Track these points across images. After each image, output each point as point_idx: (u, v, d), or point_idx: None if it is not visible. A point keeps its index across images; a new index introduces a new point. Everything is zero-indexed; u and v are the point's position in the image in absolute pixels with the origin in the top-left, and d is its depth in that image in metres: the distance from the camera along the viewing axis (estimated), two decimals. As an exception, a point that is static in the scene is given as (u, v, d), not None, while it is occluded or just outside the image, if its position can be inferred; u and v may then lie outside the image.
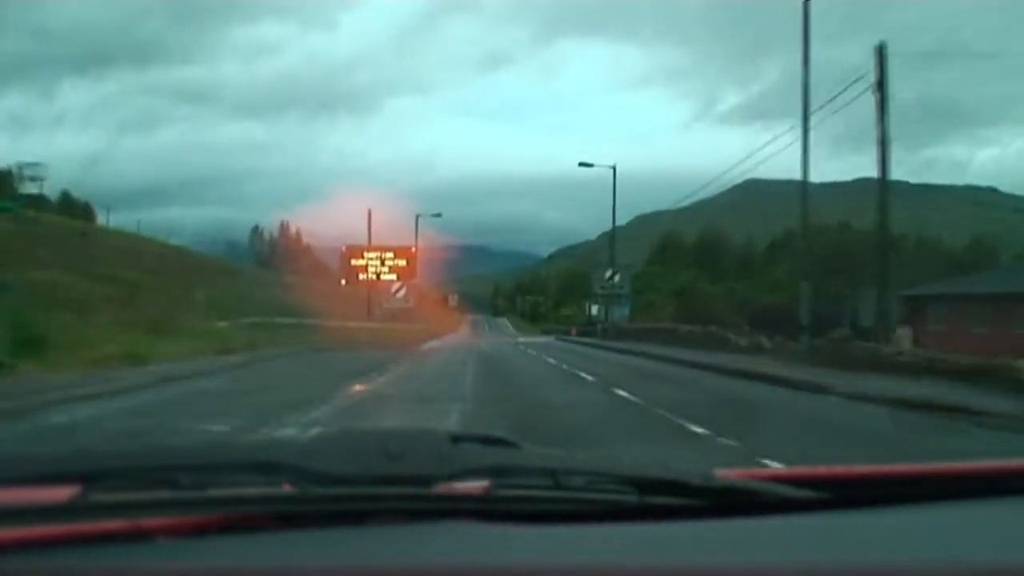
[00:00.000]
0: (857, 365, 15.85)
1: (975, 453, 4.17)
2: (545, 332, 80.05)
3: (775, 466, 5.00)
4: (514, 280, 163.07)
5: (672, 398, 12.19)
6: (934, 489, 1.19)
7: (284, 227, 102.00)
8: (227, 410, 10.51)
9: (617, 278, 45.53)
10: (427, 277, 63.39)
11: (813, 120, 19.68)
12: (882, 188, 20.87)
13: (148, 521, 0.90)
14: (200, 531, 0.91)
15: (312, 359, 22.32)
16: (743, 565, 0.91)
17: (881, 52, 19.68)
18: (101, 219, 62.77)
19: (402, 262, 49.78)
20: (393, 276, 49.52)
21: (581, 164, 42.88)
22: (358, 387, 14.28)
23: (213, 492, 0.94)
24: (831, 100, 20.55)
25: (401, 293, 47.37)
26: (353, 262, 49.48)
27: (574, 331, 65.01)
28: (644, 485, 1.05)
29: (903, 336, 26.68)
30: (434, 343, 39.03)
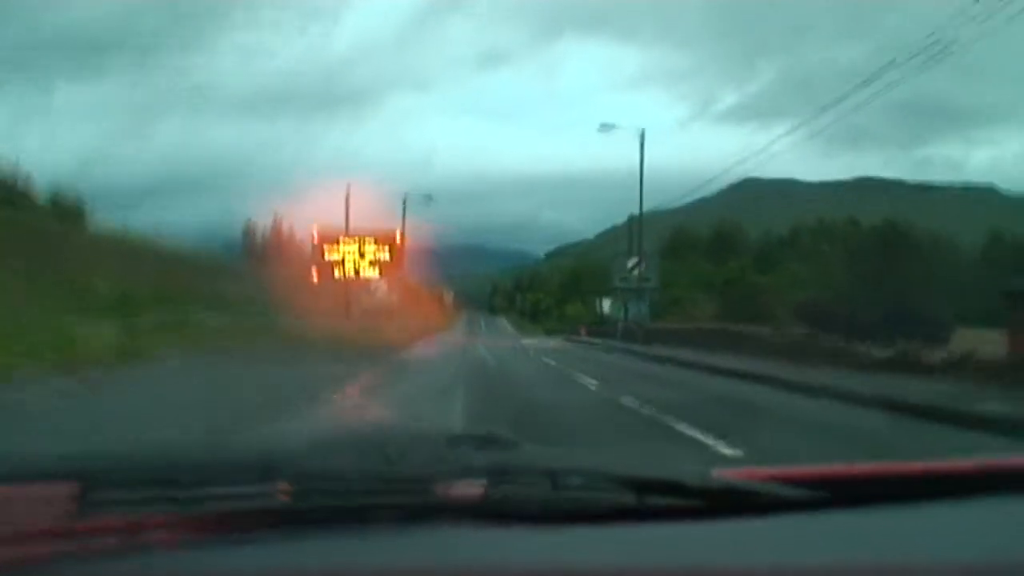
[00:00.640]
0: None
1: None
2: (549, 332, 72.30)
3: None
4: (512, 278, 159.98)
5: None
6: (932, 488, 1.18)
7: (277, 223, 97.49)
8: None
9: (641, 268, 37.78)
10: (416, 270, 55.88)
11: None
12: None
13: (147, 522, 0.90)
14: (198, 532, 0.91)
15: (205, 378, 14.78)
16: (741, 565, 0.92)
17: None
18: (91, 217, 57.93)
19: (384, 254, 41.93)
20: (375, 272, 41.66)
21: (603, 127, 35.28)
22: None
23: (212, 492, 0.94)
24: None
25: (381, 290, 39.61)
26: (327, 255, 41.64)
27: (583, 331, 57.27)
28: (642, 486, 1.04)
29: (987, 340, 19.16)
30: (419, 347, 31.30)
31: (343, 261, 41.35)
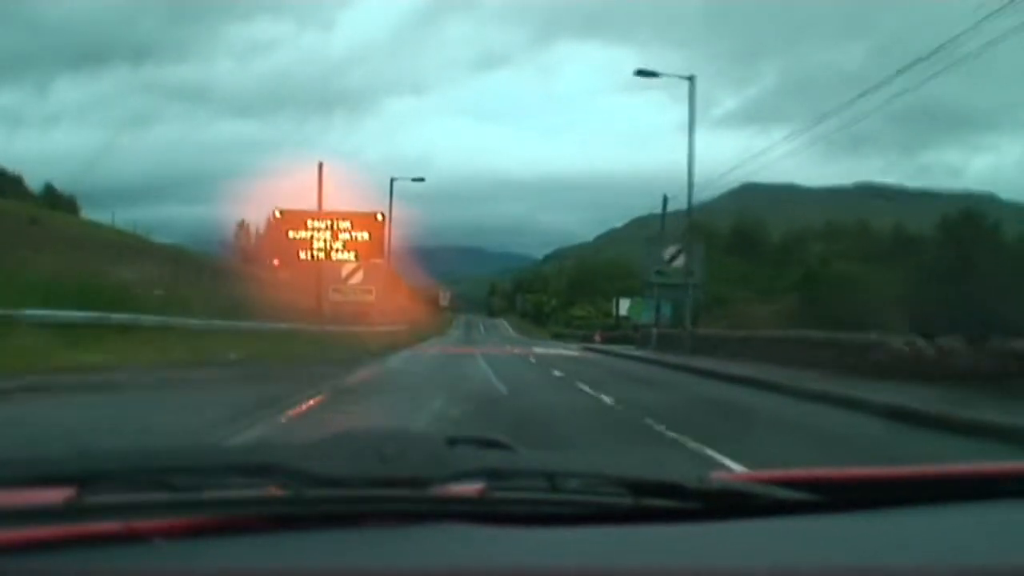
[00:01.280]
0: None
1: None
2: (558, 337, 64.44)
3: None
4: (511, 280, 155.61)
5: None
6: (928, 492, 1.18)
7: (270, 220, 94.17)
8: None
9: (684, 259, 29.90)
10: (403, 260, 47.97)
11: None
12: None
13: (143, 523, 0.89)
14: (195, 533, 0.90)
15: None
16: (738, 567, 0.92)
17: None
18: (85, 214, 58.39)
19: (363, 234, 34.00)
20: (351, 256, 33.74)
21: (639, 73, 27.42)
22: None
23: (208, 494, 0.93)
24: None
25: (356, 279, 31.77)
26: (292, 234, 33.76)
27: (598, 337, 49.20)
28: (639, 488, 1.04)
29: None
30: (398, 359, 23.57)
31: (311, 241, 33.47)
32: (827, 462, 5.48)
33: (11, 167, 61.57)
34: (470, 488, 1.00)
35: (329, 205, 33.16)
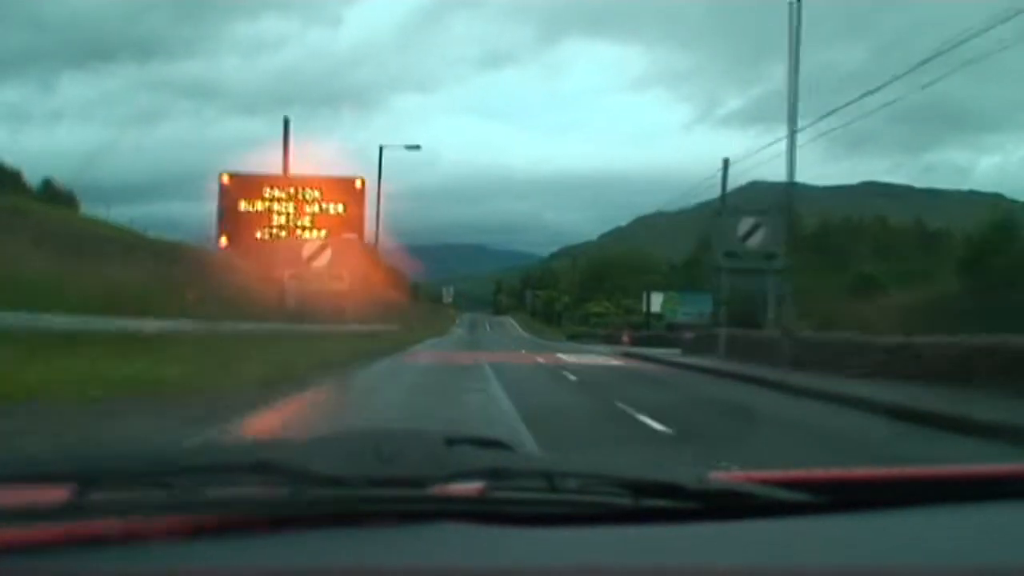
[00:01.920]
0: None
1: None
2: (575, 337, 56.80)
3: None
4: (518, 277, 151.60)
5: None
6: (929, 493, 1.17)
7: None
8: None
9: (761, 235, 22.18)
10: (392, 244, 40.59)
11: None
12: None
13: (143, 522, 0.89)
14: (195, 532, 0.90)
15: None
16: (738, 568, 0.91)
17: None
18: (84, 209, 54.69)
19: (337, 206, 26.46)
20: (323, 234, 26.15)
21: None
22: None
23: (208, 493, 0.93)
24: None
25: (321, 260, 24.18)
26: (244, 205, 26.28)
27: (627, 338, 41.65)
28: (639, 488, 1.03)
29: None
30: (359, 377, 15.85)
31: (269, 215, 25.84)
32: None
33: (15, 162, 61.42)
34: (469, 488, 0.99)
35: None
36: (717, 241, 23.15)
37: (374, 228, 28.31)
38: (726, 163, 27.06)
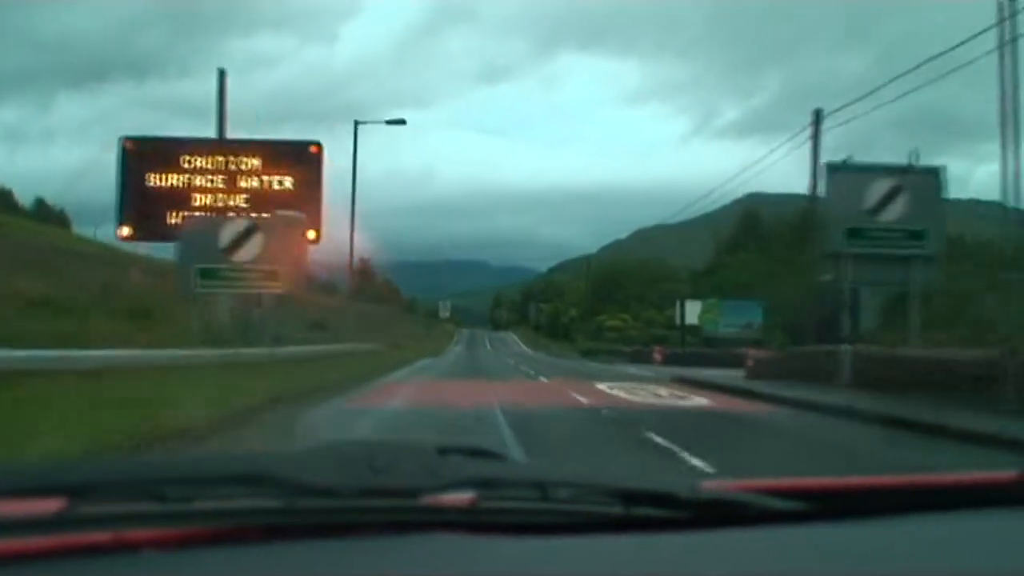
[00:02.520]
0: None
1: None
2: (589, 354, 49.45)
3: None
4: (519, 291, 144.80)
5: None
6: (920, 501, 1.17)
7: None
8: None
9: (902, 203, 14.75)
10: (371, 241, 34.24)
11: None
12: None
13: (134, 534, 0.89)
14: (187, 544, 0.90)
15: None
16: None
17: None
18: (76, 228, 56.09)
19: (284, 180, 19.01)
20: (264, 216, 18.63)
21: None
22: None
23: (200, 505, 0.92)
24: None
25: (247, 250, 16.73)
26: (152, 179, 18.78)
27: (658, 355, 34.49)
28: (630, 497, 1.03)
29: None
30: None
31: (187, 193, 18.54)
32: None
33: (7, 182, 61.96)
34: (461, 497, 0.98)
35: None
36: (840, 210, 15.68)
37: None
38: (817, 115, 19.71)
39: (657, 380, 21.54)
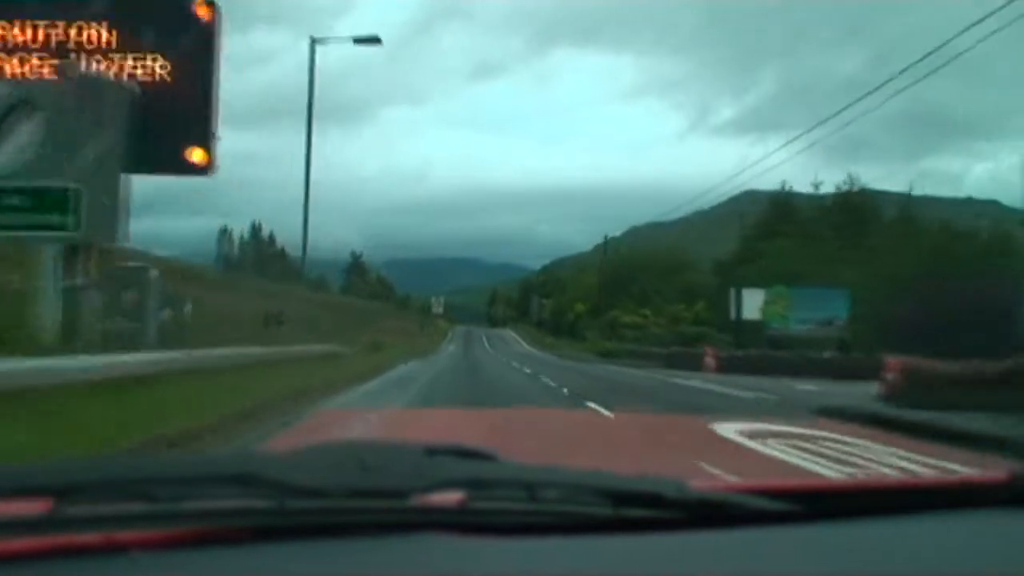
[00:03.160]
0: None
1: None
2: (608, 355, 41.78)
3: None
4: (517, 287, 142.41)
5: None
6: (909, 501, 1.17)
7: (256, 230, 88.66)
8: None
9: None
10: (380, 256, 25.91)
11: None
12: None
13: (123, 535, 0.88)
14: (176, 545, 0.89)
15: None
16: None
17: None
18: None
19: (151, 63, 10.06)
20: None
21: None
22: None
23: (189, 505, 0.92)
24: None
25: (14, 147, 8.80)
26: None
27: (712, 360, 26.81)
28: (619, 497, 1.03)
29: None
30: None
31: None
32: None
33: None
34: (450, 498, 0.99)
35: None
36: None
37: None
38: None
39: (786, 409, 13.49)
